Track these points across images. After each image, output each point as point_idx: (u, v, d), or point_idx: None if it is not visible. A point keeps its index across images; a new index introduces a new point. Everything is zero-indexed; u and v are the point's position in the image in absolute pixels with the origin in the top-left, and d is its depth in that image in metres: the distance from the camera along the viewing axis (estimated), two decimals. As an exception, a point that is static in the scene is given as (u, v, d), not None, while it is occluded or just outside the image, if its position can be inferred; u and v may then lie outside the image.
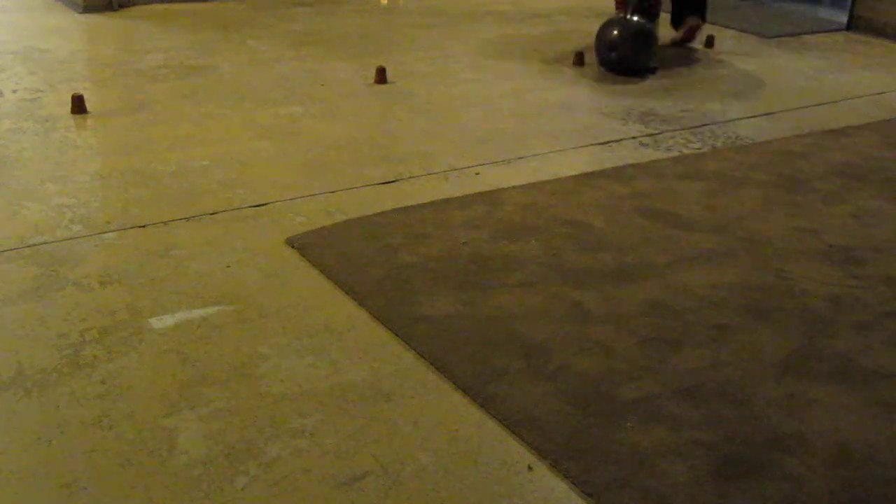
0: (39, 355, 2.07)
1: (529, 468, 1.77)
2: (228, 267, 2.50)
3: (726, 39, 5.47)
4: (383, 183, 3.11)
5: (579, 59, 4.73)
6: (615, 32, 4.53)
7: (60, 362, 2.05)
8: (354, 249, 2.60)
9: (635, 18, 4.57)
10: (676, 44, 5.22)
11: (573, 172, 3.25)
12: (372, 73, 4.31)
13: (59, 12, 5.57)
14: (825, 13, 6.28)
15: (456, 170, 3.25)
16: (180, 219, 2.78)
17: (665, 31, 5.11)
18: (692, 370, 2.09)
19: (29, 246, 2.57)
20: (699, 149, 3.58)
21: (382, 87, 4.23)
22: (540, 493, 1.71)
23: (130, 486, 1.69)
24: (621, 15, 4.64)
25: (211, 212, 2.84)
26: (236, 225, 2.75)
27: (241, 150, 3.38)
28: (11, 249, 2.55)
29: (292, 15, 5.72)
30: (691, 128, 3.83)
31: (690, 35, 5.21)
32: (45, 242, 2.60)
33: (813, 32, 5.77)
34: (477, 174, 3.22)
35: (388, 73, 4.31)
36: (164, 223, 2.75)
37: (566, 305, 2.35)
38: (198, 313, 2.27)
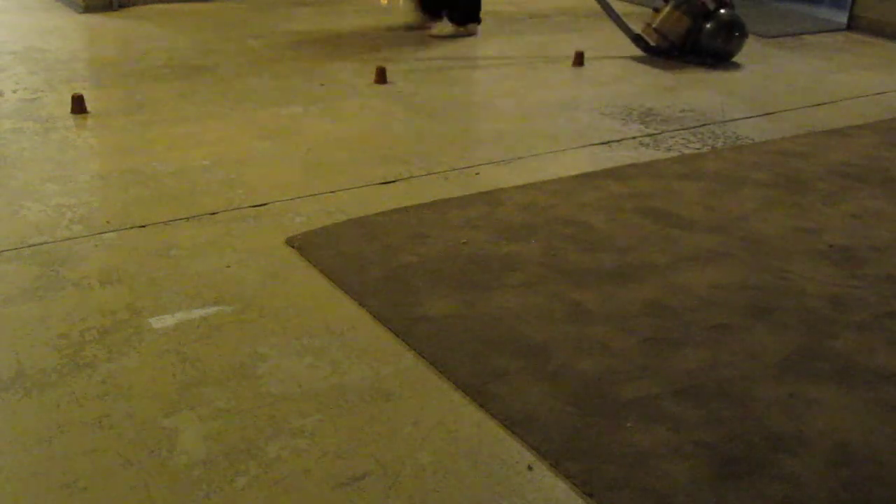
0: (39, 355, 2.07)
1: (529, 468, 1.77)
2: (228, 267, 2.50)
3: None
4: (383, 183, 3.11)
5: (579, 59, 4.73)
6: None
7: (60, 362, 2.05)
8: (354, 249, 2.60)
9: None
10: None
11: (573, 172, 3.25)
12: (372, 73, 4.31)
13: (59, 12, 5.57)
14: (825, 13, 6.28)
15: (456, 170, 3.25)
16: (180, 219, 2.78)
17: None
18: (692, 370, 2.09)
19: (29, 246, 2.57)
20: (699, 149, 3.58)
21: (382, 87, 4.23)
22: (540, 493, 1.71)
23: (130, 486, 1.69)
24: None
25: (211, 212, 2.83)
26: (236, 225, 2.75)
27: (241, 150, 3.38)
28: (11, 249, 2.55)
29: (292, 15, 5.72)
30: (691, 128, 3.83)
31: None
32: (45, 242, 2.60)
33: (813, 32, 5.77)
34: (477, 174, 3.22)
35: (388, 73, 4.31)
36: (164, 223, 2.75)
37: (566, 305, 2.35)
38: (198, 313, 2.27)
